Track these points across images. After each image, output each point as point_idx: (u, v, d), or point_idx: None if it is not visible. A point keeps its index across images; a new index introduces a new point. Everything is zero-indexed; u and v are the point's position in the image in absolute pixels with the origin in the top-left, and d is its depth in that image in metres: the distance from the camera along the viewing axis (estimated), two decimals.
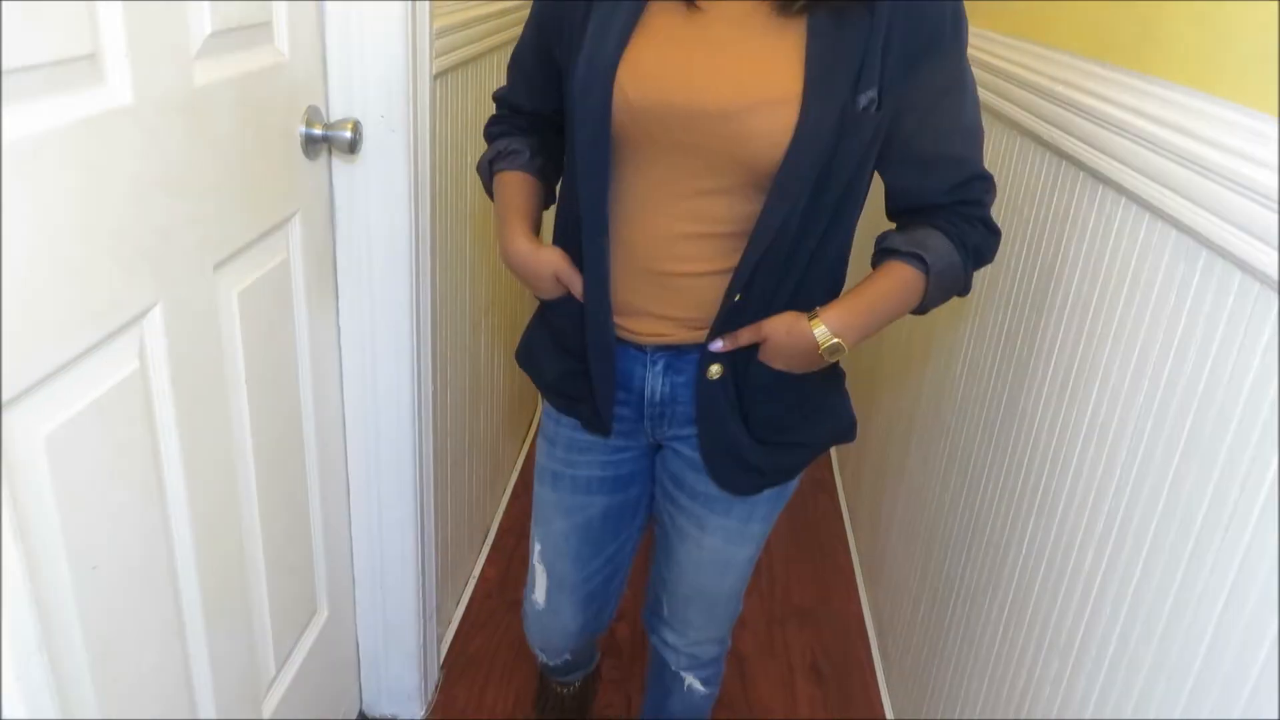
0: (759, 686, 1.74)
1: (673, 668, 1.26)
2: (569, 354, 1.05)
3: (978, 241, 0.98)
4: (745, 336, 0.96)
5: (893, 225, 1.05)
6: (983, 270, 1.37)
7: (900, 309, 0.98)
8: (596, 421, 1.06)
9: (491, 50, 1.65)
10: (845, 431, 1.09)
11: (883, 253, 1.01)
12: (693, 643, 1.22)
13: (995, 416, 1.28)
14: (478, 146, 1.64)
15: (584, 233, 0.95)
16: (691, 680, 1.26)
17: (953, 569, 1.41)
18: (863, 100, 0.85)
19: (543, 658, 1.33)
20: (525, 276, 1.02)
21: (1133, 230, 0.92)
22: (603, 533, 1.16)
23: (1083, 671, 0.95)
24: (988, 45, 1.45)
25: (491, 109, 1.17)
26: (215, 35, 0.90)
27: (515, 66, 1.08)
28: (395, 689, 1.59)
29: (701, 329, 0.97)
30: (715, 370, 0.97)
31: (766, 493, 1.07)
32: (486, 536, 2.09)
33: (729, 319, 0.95)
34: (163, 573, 0.92)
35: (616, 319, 0.99)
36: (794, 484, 1.11)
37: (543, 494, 1.16)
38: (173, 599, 0.94)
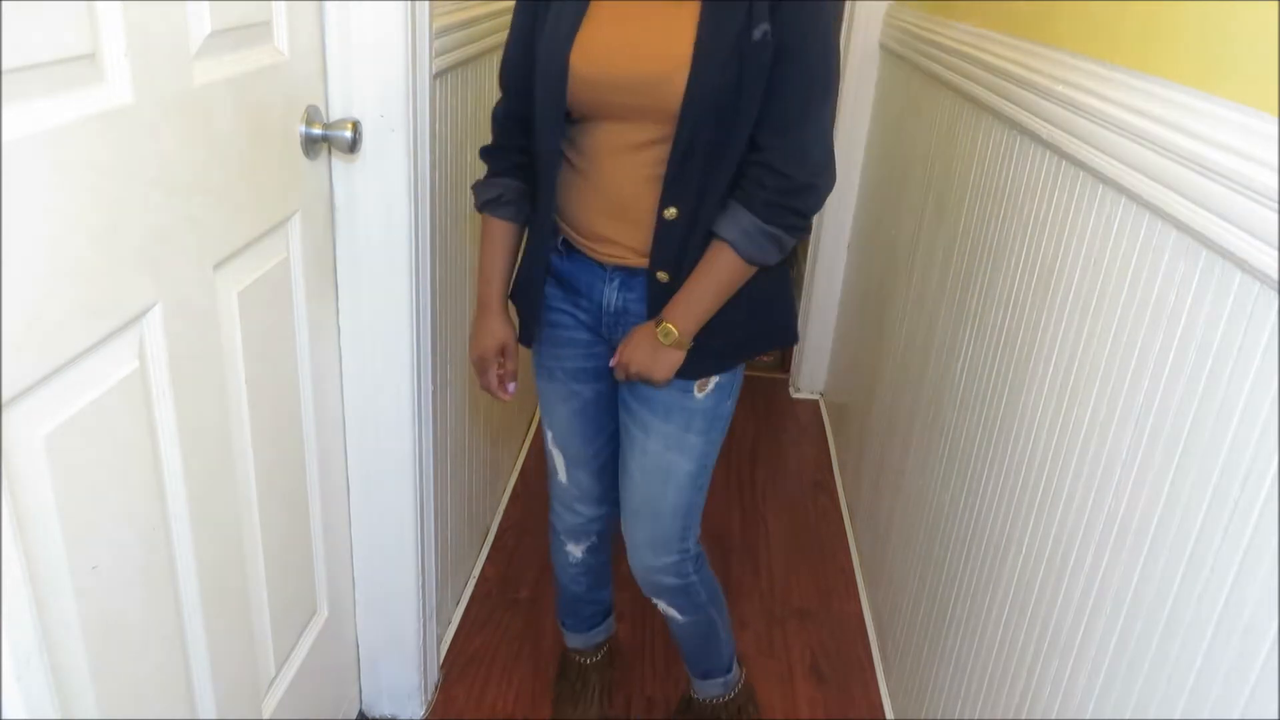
0: (759, 686, 1.74)
1: (645, 594, 1.40)
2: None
3: (766, 197, 1.09)
4: (622, 365, 1.19)
5: None
6: (983, 270, 1.38)
7: (722, 281, 1.13)
8: (528, 331, 1.29)
9: (491, 50, 1.65)
10: (775, 334, 1.26)
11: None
12: (646, 568, 1.35)
13: (995, 416, 1.28)
14: (477, 146, 1.64)
15: (540, 175, 1.19)
16: (665, 607, 1.40)
17: (953, 569, 1.41)
18: (757, 34, 1.03)
19: (571, 551, 1.48)
20: (472, 333, 1.31)
21: (1133, 230, 0.92)
22: (599, 414, 1.35)
23: (1083, 671, 0.95)
24: (988, 45, 1.45)
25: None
26: (215, 35, 0.90)
27: (505, 72, 1.21)
28: (395, 689, 1.59)
29: (648, 255, 1.17)
30: (663, 276, 1.16)
31: (701, 403, 1.22)
32: (486, 536, 2.09)
33: (663, 236, 1.13)
34: (163, 573, 0.92)
35: (586, 242, 1.21)
36: (729, 406, 1.25)
37: (543, 387, 1.36)
38: (173, 599, 0.94)
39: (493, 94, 1.71)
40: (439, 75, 1.36)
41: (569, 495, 1.43)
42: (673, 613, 1.40)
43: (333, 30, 1.16)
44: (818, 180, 1.10)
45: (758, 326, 1.22)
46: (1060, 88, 1.10)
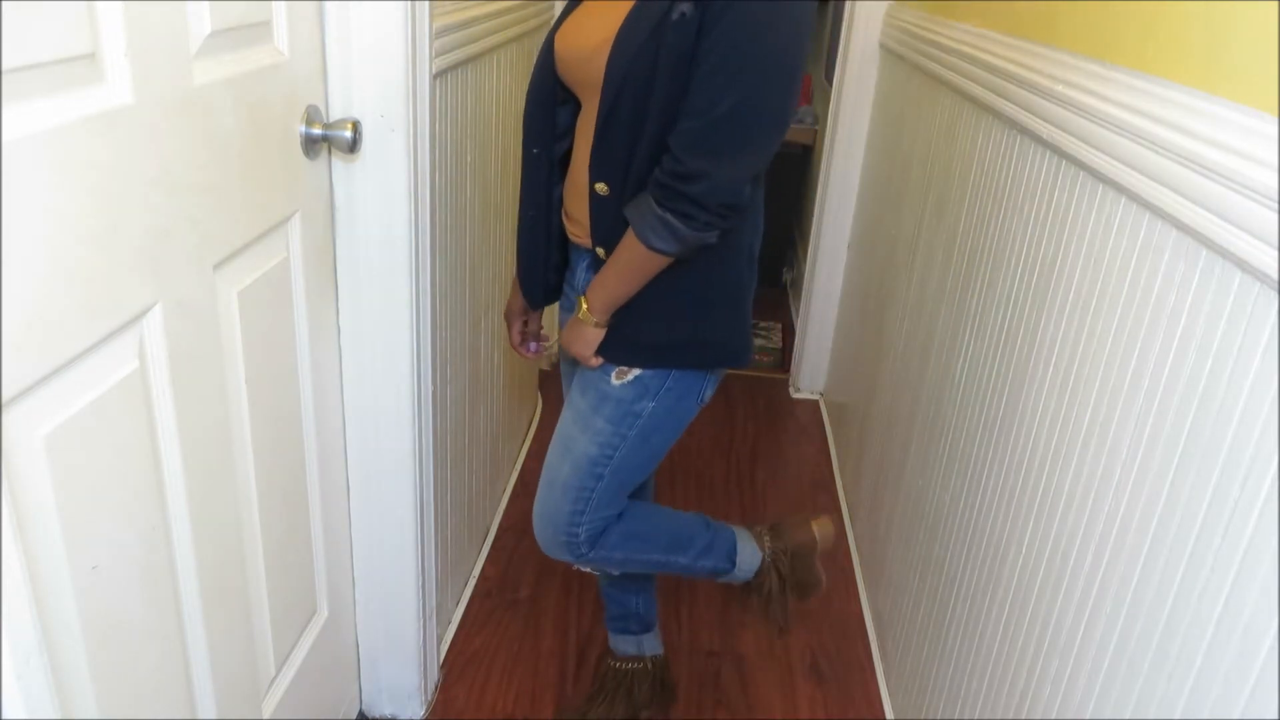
0: (759, 686, 1.74)
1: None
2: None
3: (659, 179, 1.08)
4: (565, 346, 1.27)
5: None
6: (983, 270, 1.38)
7: (626, 261, 1.15)
8: (530, 295, 1.37)
9: (491, 50, 1.65)
10: (713, 350, 1.24)
11: None
12: (540, 536, 1.34)
13: (995, 416, 1.28)
14: (478, 146, 1.65)
15: (532, 150, 1.25)
16: (579, 566, 1.37)
17: (953, 569, 1.41)
18: (675, 14, 1.04)
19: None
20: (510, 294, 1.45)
21: (1133, 230, 0.92)
22: None
23: (1083, 671, 0.95)
24: (988, 45, 1.45)
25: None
26: (215, 35, 0.90)
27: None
28: (395, 689, 1.59)
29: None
30: (601, 252, 1.19)
31: (616, 391, 1.24)
32: (486, 536, 2.09)
33: (597, 212, 1.17)
34: (163, 573, 0.92)
35: (568, 223, 1.28)
36: (649, 406, 1.24)
37: (561, 371, 1.47)
38: (172, 599, 0.94)
39: (493, 94, 1.72)
40: (439, 75, 1.36)
41: None
42: (585, 569, 1.37)
43: (333, 30, 1.16)
44: (711, 168, 1.05)
45: (689, 333, 1.21)
46: (1060, 88, 1.10)
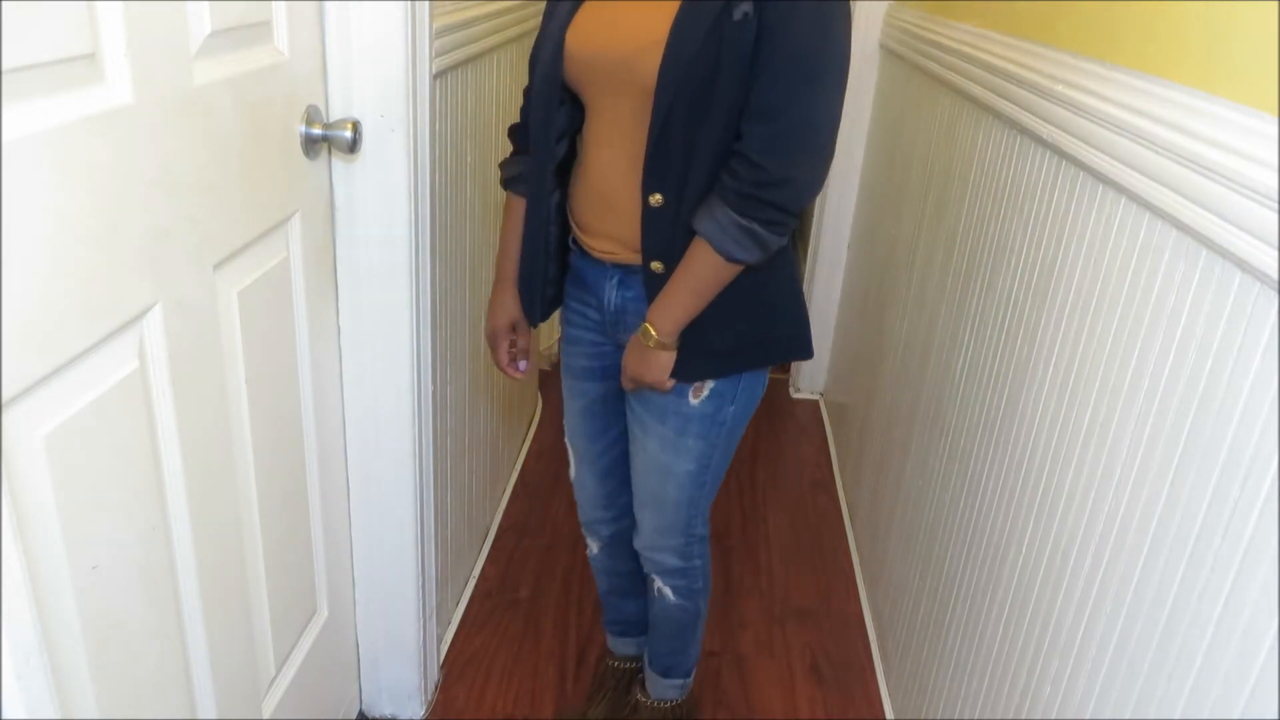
0: (759, 686, 1.74)
1: (644, 569, 1.43)
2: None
3: (740, 188, 1.05)
4: (625, 376, 1.20)
5: None
6: (983, 270, 1.38)
7: (699, 277, 1.10)
8: (529, 312, 1.30)
9: (491, 50, 1.65)
10: (780, 346, 1.22)
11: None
12: (649, 547, 1.38)
13: (995, 416, 1.28)
14: (478, 146, 1.65)
15: (533, 153, 1.20)
16: (660, 585, 1.42)
17: (953, 569, 1.41)
18: (737, 14, 1.00)
19: (590, 545, 1.52)
20: (488, 309, 1.35)
21: (1133, 230, 0.92)
22: (604, 413, 1.36)
23: (1083, 671, 0.95)
24: (988, 45, 1.45)
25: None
26: (215, 35, 0.90)
27: (532, 55, 1.23)
28: (395, 689, 1.59)
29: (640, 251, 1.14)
30: (657, 266, 1.13)
31: (697, 409, 1.21)
32: (486, 536, 2.09)
33: (650, 225, 1.11)
34: (163, 573, 0.92)
35: (585, 238, 1.21)
36: (731, 411, 1.23)
37: (562, 383, 1.39)
38: (173, 599, 0.94)
39: (493, 94, 1.72)
40: (439, 75, 1.36)
41: (578, 491, 1.47)
42: (667, 591, 1.42)
43: (333, 30, 1.16)
44: (795, 173, 1.04)
45: (759, 335, 1.19)
46: (1060, 88, 1.10)
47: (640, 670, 1.63)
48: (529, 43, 2.00)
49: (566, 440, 1.43)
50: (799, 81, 1.01)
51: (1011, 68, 1.30)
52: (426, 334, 1.40)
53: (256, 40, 1.01)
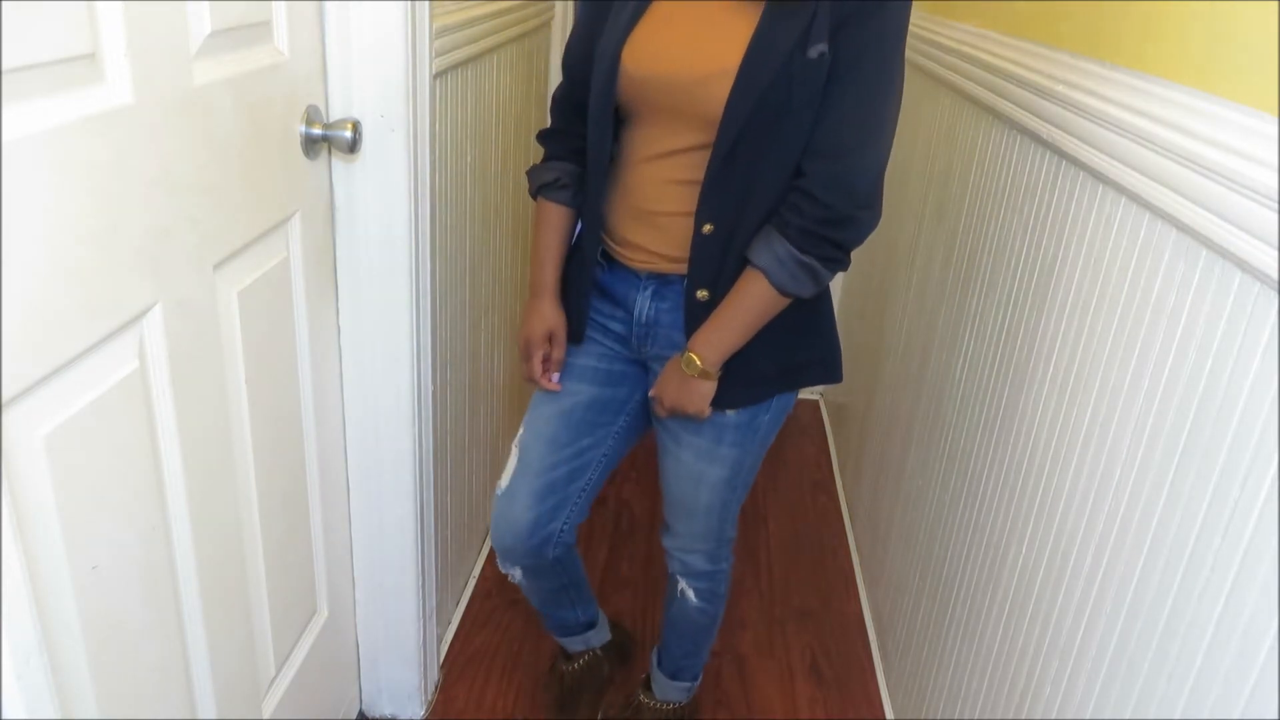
0: (759, 686, 1.74)
1: (670, 570, 1.42)
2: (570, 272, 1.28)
3: (803, 225, 1.04)
4: (658, 401, 1.19)
5: None
6: (983, 270, 1.37)
7: (751, 310, 1.10)
8: (574, 327, 1.26)
9: (491, 50, 1.65)
10: (813, 370, 1.22)
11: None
12: (680, 548, 1.37)
13: (995, 416, 1.28)
14: (478, 146, 1.65)
15: (589, 169, 1.19)
16: (685, 586, 1.41)
17: (953, 569, 1.41)
18: (813, 53, 1.00)
19: (501, 565, 1.38)
20: (522, 318, 1.29)
21: (1133, 230, 0.92)
22: (582, 422, 1.29)
23: (1083, 671, 0.95)
24: (988, 45, 1.45)
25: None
26: (215, 35, 0.90)
27: (567, 58, 1.23)
28: (395, 689, 1.59)
29: (681, 262, 1.14)
30: (703, 294, 1.13)
31: (733, 419, 1.20)
32: (486, 536, 2.09)
33: (701, 249, 1.11)
34: (163, 573, 0.92)
35: (619, 248, 1.20)
36: (766, 420, 1.23)
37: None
38: (173, 599, 0.94)
39: (493, 94, 1.72)
40: (439, 75, 1.36)
41: (503, 507, 1.31)
42: (690, 594, 1.41)
43: (333, 30, 1.16)
44: (860, 213, 1.04)
45: (797, 359, 1.19)
46: (1060, 88, 1.10)
47: (604, 656, 1.63)
48: (529, 43, 2.01)
49: (514, 446, 1.31)
50: (868, 123, 1.03)
51: (1011, 68, 1.30)
52: (426, 334, 1.39)
53: (256, 40, 1.01)
